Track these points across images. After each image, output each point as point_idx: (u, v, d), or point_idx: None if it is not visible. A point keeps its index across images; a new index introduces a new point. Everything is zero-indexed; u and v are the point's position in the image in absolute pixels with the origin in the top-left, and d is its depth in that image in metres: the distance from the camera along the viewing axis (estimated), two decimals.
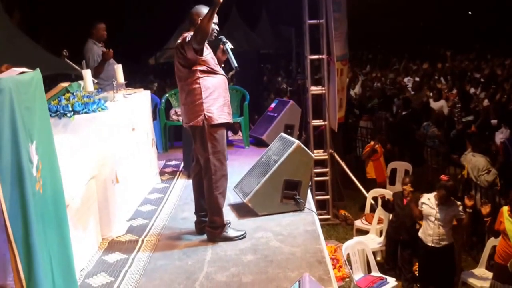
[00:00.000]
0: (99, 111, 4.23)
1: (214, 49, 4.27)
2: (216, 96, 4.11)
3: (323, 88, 7.79)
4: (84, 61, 5.22)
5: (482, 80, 11.74)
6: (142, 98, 5.63)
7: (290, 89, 12.37)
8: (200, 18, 4.07)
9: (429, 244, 5.56)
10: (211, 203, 4.21)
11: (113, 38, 6.44)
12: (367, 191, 7.50)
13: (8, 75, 2.61)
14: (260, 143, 7.39)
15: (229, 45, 4.25)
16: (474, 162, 6.49)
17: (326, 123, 7.80)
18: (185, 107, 4.17)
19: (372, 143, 8.03)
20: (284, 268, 3.75)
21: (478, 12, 20.90)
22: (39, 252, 2.52)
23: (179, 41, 4.14)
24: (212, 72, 4.12)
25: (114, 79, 5.38)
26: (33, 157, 2.59)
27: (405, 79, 12.73)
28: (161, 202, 5.22)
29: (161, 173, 6.16)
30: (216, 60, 4.20)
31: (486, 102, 9.50)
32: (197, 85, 4.06)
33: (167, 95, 7.57)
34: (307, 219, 4.68)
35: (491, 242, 5.55)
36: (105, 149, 4.23)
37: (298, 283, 2.17)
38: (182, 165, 6.39)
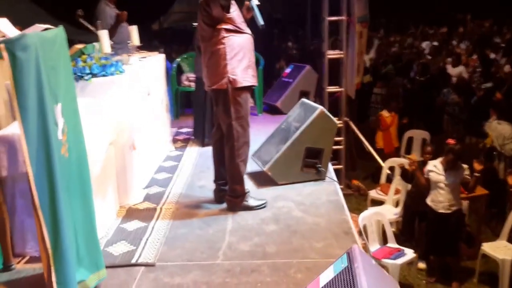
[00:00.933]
0: (117, 74, 4.04)
1: (239, 5, 4.03)
2: (241, 57, 3.90)
3: (341, 52, 7.49)
4: (99, 21, 4.99)
5: (503, 45, 11.37)
6: (157, 62, 5.42)
7: (300, 54, 12.05)
8: None
9: (440, 210, 5.39)
10: (233, 171, 4.06)
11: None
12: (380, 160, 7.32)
13: (32, 31, 2.42)
14: (274, 110, 7.21)
15: (255, 1, 4.01)
16: (500, 130, 6.27)
17: (342, 89, 7.55)
18: (208, 69, 3.97)
19: (383, 111, 7.80)
20: (308, 238, 3.63)
21: None
22: (65, 219, 2.41)
23: None
24: (238, 31, 3.90)
25: (129, 41, 5.17)
26: (59, 119, 2.46)
27: (423, 44, 12.37)
28: (176, 170, 5.09)
29: (174, 140, 6.03)
30: (242, 17, 3.98)
31: (507, 68, 9.20)
32: (221, 46, 3.86)
33: (178, 59, 7.34)
34: (329, 189, 4.54)
35: None
36: (123, 113, 4.07)
37: (347, 255, 2.01)
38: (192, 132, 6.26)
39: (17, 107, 2.23)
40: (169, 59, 8.88)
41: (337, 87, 7.59)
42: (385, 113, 7.78)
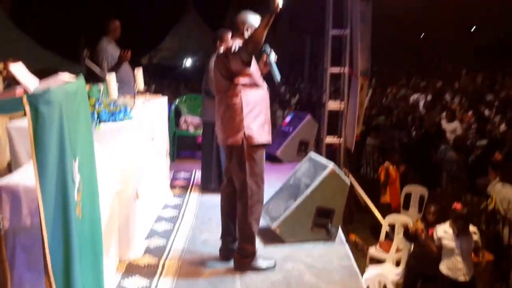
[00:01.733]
0: (126, 119, 3.81)
1: (256, 60, 3.88)
2: (257, 112, 3.74)
3: (342, 103, 7.41)
4: (106, 62, 4.78)
5: (496, 102, 11.51)
6: (161, 105, 5.23)
7: (294, 100, 12.01)
8: (246, 26, 3.75)
9: (461, 279, 5.19)
10: (244, 230, 3.82)
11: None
12: (380, 216, 7.14)
13: (54, 82, 2.21)
14: (273, 159, 7.03)
15: (273, 56, 3.87)
16: (504, 194, 6.15)
17: (341, 140, 7.42)
18: (223, 122, 3.79)
19: (386, 165, 7.65)
20: None
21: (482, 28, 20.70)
22: (77, 284, 2.17)
23: (222, 49, 3.76)
24: (255, 85, 3.74)
25: (126, 80, 4.98)
26: (76, 176, 2.23)
27: (414, 96, 12.44)
28: (177, 221, 4.82)
29: (171, 186, 5.77)
30: (260, 72, 3.82)
31: (503, 127, 9.23)
32: (238, 99, 3.69)
33: (177, 101, 7.15)
34: (340, 252, 4.32)
35: None
36: (129, 161, 3.82)
37: None
38: (192, 178, 6.00)
39: (35, 164, 2.00)
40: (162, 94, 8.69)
41: (335, 137, 7.47)
42: (389, 166, 7.64)
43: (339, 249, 4.36)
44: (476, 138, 9.16)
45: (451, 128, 9.80)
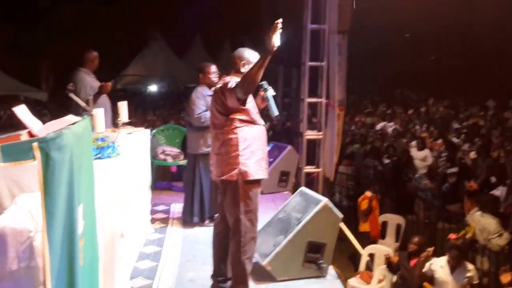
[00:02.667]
0: (113, 156, 3.63)
1: (253, 96, 3.80)
2: (254, 148, 3.64)
3: (320, 133, 7.40)
4: (91, 97, 4.59)
5: (464, 130, 11.79)
6: (143, 138, 5.05)
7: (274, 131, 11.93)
8: (243, 62, 3.69)
9: None
10: (237, 269, 3.68)
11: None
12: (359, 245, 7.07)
13: (58, 124, 2.05)
14: None
15: (270, 92, 3.79)
16: (484, 224, 6.20)
17: (320, 170, 7.39)
18: (218, 157, 3.67)
19: (368, 194, 7.63)
20: None
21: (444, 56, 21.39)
22: None
23: (219, 85, 3.67)
24: (252, 122, 3.65)
25: (119, 119, 4.80)
26: (80, 222, 2.06)
27: (381, 124, 12.62)
28: (160, 257, 4.60)
29: (151, 220, 5.53)
30: (257, 109, 3.74)
31: (473, 155, 9.43)
32: (234, 135, 3.59)
33: (154, 131, 6.96)
34: None
35: None
36: (116, 199, 3.62)
37: None
38: (172, 211, 5.81)
39: (44, 212, 1.85)
40: None
41: (314, 167, 7.44)
42: (371, 195, 7.63)
43: (331, 285, 4.26)
44: (447, 165, 9.30)
45: (421, 156, 9.92)
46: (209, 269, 3.97)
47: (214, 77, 5.30)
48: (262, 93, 3.81)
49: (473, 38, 19.59)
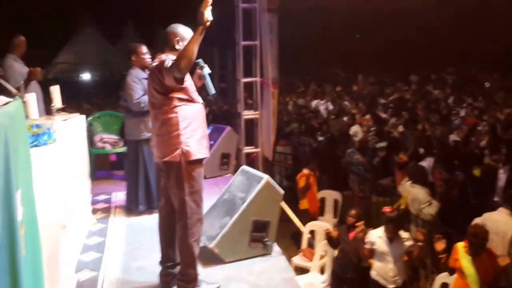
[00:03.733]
0: (50, 143, 3.48)
1: (190, 74, 3.75)
2: (194, 127, 3.61)
3: (256, 112, 7.46)
4: (22, 83, 4.36)
5: (391, 105, 12.27)
6: (79, 125, 4.88)
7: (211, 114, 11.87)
8: (177, 39, 3.62)
9: (390, 286, 5.38)
10: (185, 252, 3.66)
11: None
12: (300, 223, 7.25)
13: None
14: None
15: (207, 70, 3.76)
16: (414, 194, 6.47)
17: (259, 149, 7.48)
18: (159, 138, 3.61)
19: (305, 171, 7.80)
20: None
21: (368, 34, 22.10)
22: None
23: (155, 63, 3.58)
24: (191, 100, 3.61)
25: (43, 102, 4.60)
26: (19, 208, 1.98)
27: (314, 102, 12.88)
28: (104, 248, 4.51)
29: (93, 210, 5.40)
30: (194, 86, 3.70)
31: (401, 128, 9.83)
32: (174, 115, 3.54)
33: (90, 118, 6.73)
34: (279, 265, 4.30)
35: (440, 278, 5.50)
36: (55, 188, 3.49)
37: None
38: (114, 200, 5.68)
39: None
40: None
41: (253, 147, 7.51)
42: (308, 172, 7.80)
43: (278, 262, 4.34)
44: (376, 140, 9.66)
45: (352, 132, 10.25)
46: (156, 256, 3.92)
47: (147, 57, 5.20)
48: (198, 71, 3.76)
49: (395, 16, 20.40)
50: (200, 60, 3.72)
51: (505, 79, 17.00)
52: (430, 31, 21.74)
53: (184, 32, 3.66)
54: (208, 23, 3.33)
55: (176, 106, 3.55)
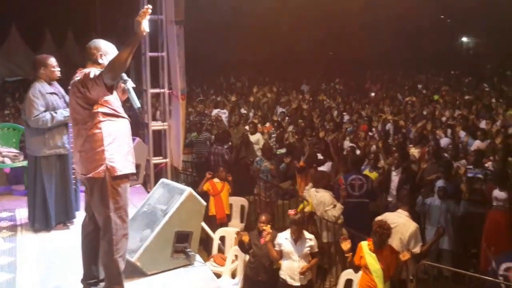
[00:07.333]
0: None
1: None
2: (120, 142, 3.60)
3: (165, 123, 7.44)
4: None
5: (288, 114, 12.80)
6: None
7: None
8: (101, 53, 3.60)
9: (296, 284, 5.64)
10: (111, 269, 3.62)
11: None
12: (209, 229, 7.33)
13: None
14: None
15: (130, 84, 3.75)
16: (319, 198, 6.85)
17: (167, 160, 7.45)
18: (82, 154, 3.54)
19: (210, 176, 7.93)
20: None
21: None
22: None
23: (77, 77, 3.51)
24: (116, 115, 3.59)
25: None
26: None
27: (214, 111, 13.03)
28: (16, 269, 4.27)
29: None
30: (119, 101, 3.67)
31: (298, 135, 10.25)
32: (98, 130, 3.50)
33: None
34: (203, 275, 4.39)
35: (345, 275, 5.86)
36: None
37: None
38: (17, 217, 5.39)
39: None
40: None
41: (161, 157, 7.47)
42: (215, 180, 7.91)
43: (201, 272, 4.41)
44: (276, 147, 10.05)
45: (255, 140, 10.54)
46: (73, 273, 3.81)
47: (56, 70, 5.03)
48: (122, 84, 3.74)
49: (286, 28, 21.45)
50: (124, 74, 3.71)
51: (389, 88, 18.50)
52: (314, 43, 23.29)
53: (106, 46, 3.67)
54: (144, 33, 3.34)
55: (100, 122, 3.52)
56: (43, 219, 5.06)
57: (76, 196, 5.31)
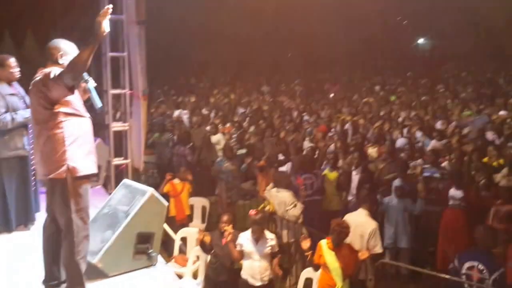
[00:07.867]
0: None
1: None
2: (81, 142, 3.60)
3: (125, 124, 7.38)
4: None
5: (249, 114, 12.89)
6: None
7: None
8: (61, 53, 3.59)
9: (258, 284, 5.70)
10: (72, 271, 3.62)
11: None
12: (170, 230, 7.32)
13: None
14: None
15: (92, 83, 3.75)
16: (280, 198, 6.94)
17: (128, 161, 7.40)
18: (43, 155, 3.53)
19: (169, 177, 7.93)
20: None
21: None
22: None
23: (38, 77, 3.48)
24: (77, 114, 3.59)
25: None
26: None
27: (176, 112, 12.97)
28: None
29: None
30: (81, 100, 3.66)
31: (259, 136, 10.35)
32: (59, 130, 3.50)
33: None
34: (165, 276, 4.42)
35: (305, 273, 5.94)
36: None
37: None
38: None
39: None
40: None
41: (122, 158, 7.41)
42: (176, 180, 7.91)
43: (163, 272, 4.45)
44: (237, 148, 10.09)
45: (215, 140, 10.56)
46: (35, 274, 3.77)
47: (16, 71, 4.94)
48: (83, 84, 3.73)
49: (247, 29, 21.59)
50: (85, 74, 3.70)
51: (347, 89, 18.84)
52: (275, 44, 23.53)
53: (66, 46, 3.66)
54: (105, 34, 3.34)
55: (61, 122, 3.51)
56: (4, 220, 4.99)
57: (36, 197, 5.23)
